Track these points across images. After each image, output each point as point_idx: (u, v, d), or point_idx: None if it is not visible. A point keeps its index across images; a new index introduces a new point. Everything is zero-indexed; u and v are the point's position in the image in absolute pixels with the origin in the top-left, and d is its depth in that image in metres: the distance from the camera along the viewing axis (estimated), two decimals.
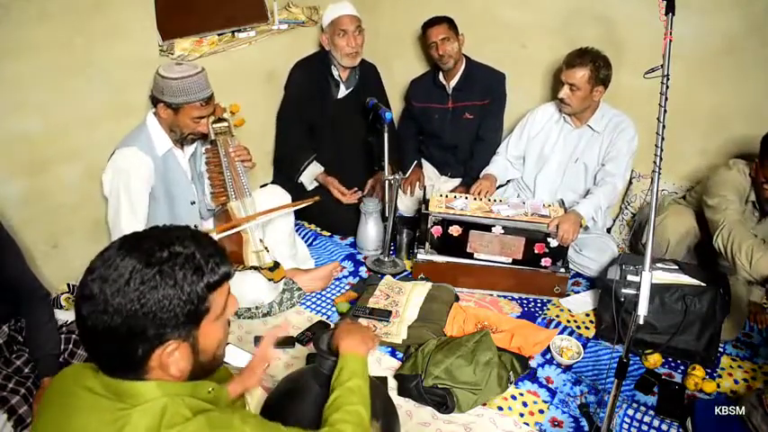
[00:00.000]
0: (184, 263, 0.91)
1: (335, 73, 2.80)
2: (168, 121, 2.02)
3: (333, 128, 2.89)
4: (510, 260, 2.42)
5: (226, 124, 2.12)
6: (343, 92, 2.86)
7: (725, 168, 2.18)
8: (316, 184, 2.89)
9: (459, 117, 2.86)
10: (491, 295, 2.47)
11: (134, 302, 0.86)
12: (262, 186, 2.72)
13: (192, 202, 2.22)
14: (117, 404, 0.90)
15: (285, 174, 2.90)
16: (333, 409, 1.18)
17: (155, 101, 2.01)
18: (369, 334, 1.39)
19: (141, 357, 0.90)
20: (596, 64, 2.31)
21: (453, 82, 2.81)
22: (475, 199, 2.51)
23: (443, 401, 1.85)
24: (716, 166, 2.30)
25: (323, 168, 2.89)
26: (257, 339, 2.15)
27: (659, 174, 1.43)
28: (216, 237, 2.19)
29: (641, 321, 1.39)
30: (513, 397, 1.94)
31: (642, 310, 1.38)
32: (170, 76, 1.93)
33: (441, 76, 2.84)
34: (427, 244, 2.45)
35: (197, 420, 0.89)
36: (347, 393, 1.21)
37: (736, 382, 2.03)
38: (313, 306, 2.40)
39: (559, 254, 2.38)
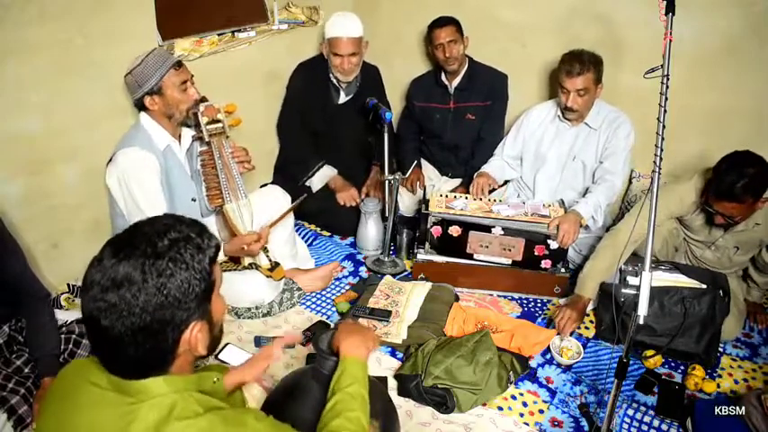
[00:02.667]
0: (186, 245, 0.94)
1: (335, 79, 2.79)
2: (162, 109, 2.00)
3: (333, 133, 2.88)
4: (510, 261, 2.42)
5: (220, 125, 2.10)
6: (343, 98, 2.85)
7: (685, 180, 2.20)
8: (322, 185, 2.89)
9: (462, 117, 2.85)
10: (491, 295, 2.47)
11: (158, 295, 0.89)
12: (261, 186, 2.72)
13: (193, 199, 2.21)
14: (125, 398, 0.92)
15: (291, 176, 2.89)
16: (333, 415, 1.18)
17: (139, 102, 1.99)
18: (370, 335, 1.39)
19: (171, 347, 0.93)
20: (595, 64, 2.32)
21: (456, 82, 2.81)
22: (475, 199, 2.51)
23: (443, 401, 1.85)
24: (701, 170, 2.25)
25: (337, 171, 2.89)
26: (257, 339, 2.15)
27: (659, 174, 1.42)
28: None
29: (641, 321, 1.39)
30: (513, 397, 1.94)
31: (642, 310, 1.38)
32: (135, 65, 1.95)
33: (443, 76, 2.83)
34: (427, 244, 2.45)
35: (209, 417, 0.91)
36: (347, 399, 1.21)
37: (736, 382, 2.03)
38: (313, 306, 2.40)
39: (559, 256, 2.37)
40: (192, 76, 2.06)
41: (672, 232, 2.28)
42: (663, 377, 2.02)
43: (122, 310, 0.88)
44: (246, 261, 2.24)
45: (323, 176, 2.89)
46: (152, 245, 0.91)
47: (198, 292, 0.93)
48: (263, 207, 2.32)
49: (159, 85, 1.95)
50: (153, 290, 0.89)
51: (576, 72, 2.31)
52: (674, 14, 1.44)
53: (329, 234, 2.93)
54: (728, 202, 1.94)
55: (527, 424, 1.85)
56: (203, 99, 2.09)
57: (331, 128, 2.87)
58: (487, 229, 2.36)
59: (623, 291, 2.04)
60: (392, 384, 1.96)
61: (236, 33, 2.79)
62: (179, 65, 2.00)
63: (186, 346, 0.95)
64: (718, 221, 2.04)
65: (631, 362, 1.96)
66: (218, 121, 2.10)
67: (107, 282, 0.88)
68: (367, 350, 1.34)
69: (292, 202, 2.51)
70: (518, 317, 2.32)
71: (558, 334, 2.17)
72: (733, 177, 1.90)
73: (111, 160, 2.01)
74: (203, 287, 0.94)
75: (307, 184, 2.90)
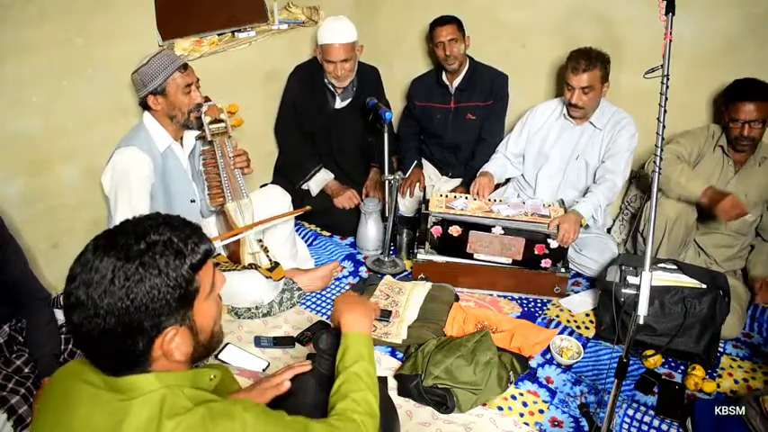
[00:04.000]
0: (164, 250, 0.90)
1: (331, 85, 2.77)
2: (165, 110, 2.02)
3: (331, 136, 2.88)
4: (510, 261, 2.42)
5: (223, 125, 2.11)
6: (339, 103, 2.83)
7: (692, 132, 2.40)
8: (320, 189, 2.89)
9: (462, 117, 2.85)
10: (491, 295, 2.47)
11: (123, 300, 0.87)
12: (261, 186, 2.72)
13: (192, 200, 2.21)
14: (116, 395, 0.91)
15: (289, 179, 2.90)
16: (339, 397, 1.16)
17: (143, 101, 2.01)
18: (369, 305, 1.38)
19: (143, 351, 0.90)
20: (602, 62, 2.33)
21: (456, 82, 2.81)
22: (475, 199, 2.51)
23: (443, 401, 1.85)
24: None
25: (333, 176, 2.89)
26: (257, 339, 2.15)
27: (659, 174, 1.42)
28: (218, 244, 2.19)
29: (641, 321, 1.38)
30: (513, 397, 1.94)
31: (642, 309, 1.37)
32: (141, 65, 1.97)
33: (444, 76, 2.83)
34: (427, 244, 2.45)
35: (197, 410, 0.90)
36: (354, 378, 1.18)
37: (736, 382, 2.03)
38: (313, 306, 2.40)
39: (559, 255, 2.37)
40: (198, 79, 2.06)
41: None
42: (663, 377, 2.02)
43: (89, 309, 0.87)
44: (246, 261, 2.24)
45: (320, 181, 2.88)
46: (127, 247, 0.89)
47: (169, 299, 0.90)
48: (262, 207, 2.32)
49: (163, 86, 1.97)
50: (119, 294, 0.86)
51: (582, 69, 2.31)
52: (674, 14, 1.44)
53: (329, 234, 2.93)
54: (751, 102, 2.12)
55: (527, 424, 1.85)
56: (206, 99, 2.10)
57: (328, 131, 2.87)
58: (488, 228, 2.36)
59: (623, 290, 2.05)
60: (392, 384, 1.96)
61: (236, 33, 2.79)
62: (185, 67, 2.01)
63: (160, 352, 0.92)
64: (746, 133, 2.16)
65: (631, 362, 1.96)
66: (221, 120, 2.10)
67: (80, 277, 0.88)
68: (369, 322, 1.32)
69: (292, 203, 2.51)
70: (518, 317, 2.32)
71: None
72: (749, 80, 2.18)
73: (109, 159, 2.01)
74: (178, 294, 0.90)
75: (304, 187, 2.89)
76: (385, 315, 2.20)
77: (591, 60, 2.31)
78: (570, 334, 2.24)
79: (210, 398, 0.95)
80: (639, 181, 2.76)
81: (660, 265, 2.13)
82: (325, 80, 2.76)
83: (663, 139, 1.41)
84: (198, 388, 0.96)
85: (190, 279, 0.93)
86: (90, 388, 0.94)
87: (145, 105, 2.03)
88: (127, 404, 0.89)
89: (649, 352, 2.06)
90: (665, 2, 1.45)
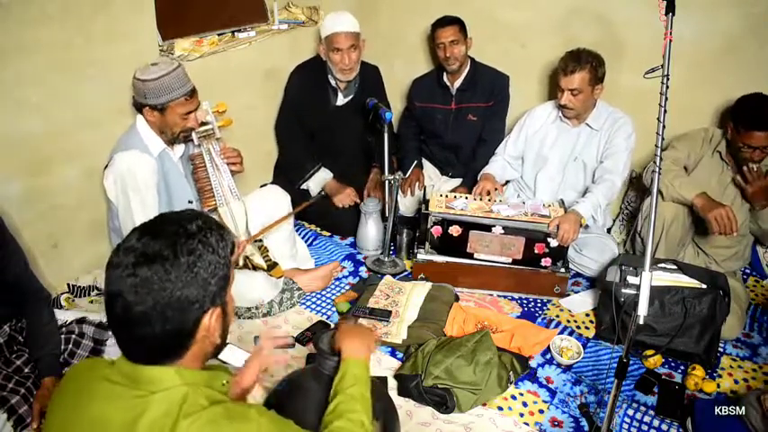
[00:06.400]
0: (213, 232, 0.97)
1: (333, 81, 2.78)
2: (157, 124, 2.00)
3: (332, 135, 2.88)
4: (510, 260, 2.42)
5: (209, 127, 2.08)
6: (341, 100, 2.84)
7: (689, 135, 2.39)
8: (320, 189, 2.89)
9: (463, 118, 2.85)
10: (491, 295, 2.47)
11: (188, 272, 0.91)
12: (261, 186, 2.71)
13: (190, 201, 2.21)
14: (134, 391, 0.91)
15: (289, 179, 2.90)
16: (335, 416, 1.18)
17: (139, 106, 1.97)
18: (370, 336, 1.40)
19: (191, 329, 0.94)
20: (593, 64, 2.32)
21: (458, 83, 2.81)
22: (475, 199, 2.51)
23: (443, 401, 1.85)
24: None
25: (332, 175, 2.89)
26: (257, 339, 2.15)
27: (659, 174, 1.42)
28: None
29: (641, 321, 1.38)
30: (513, 397, 1.95)
31: (642, 309, 1.38)
32: (149, 78, 1.89)
33: (445, 77, 2.83)
34: (427, 244, 2.45)
35: (213, 409, 0.91)
36: (349, 400, 1.21)
37: (736, 382, 2.03)
38: (313, 306, 2.40)
39: (559, 254, 2.37)
40: (199, 104, 2.04)
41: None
42: (663, 377, 2.02)
43: (154, 284, 0.89)
44: (241, 261, 2.23)
45: (320, 180, 2.88)
46: (183, 227, 0.94)
47: (221, 276, 0.96)
48: (262, 206, 2.32)
49: (164, 107, 1.95)
50: (184, 266, 0.91)
51: (570, 70, 2.31)
52: (674, 14, 1.44)
53: (329, 234, 2.93)
54: (760, 132, 2.08)
55: (527, 424, 1.85)
56: None
57: (329, 130, 2.87)
58: (488, 228, 2.36)
59: (623, 290, 2.05)
60: (392, 384, 1.96)
61: (236, 33, 2.79)
62: (191, 95, 1.98)
63: (204, 332, 0.95)
64: (757, 157, 2.15)
65: (631, 362, 1.96)
66: (206, 123, 2.08)
67: (139, 257, 0.90)
68: (368, 351, 1.35)
69: (292, 202, 2.51)
70: (518, 317, 2.32)
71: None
72: (760, 103, 2.11)
73: (108, 164, 2.00)
74: (223, 274, 0.96)
75: (303, 187, 2.89)
76: (385, 315, 2.20)
77: (579, 62, 2.30)
78: (570, 334, 2.24)
79: (226, 399, 0.97)
80: (633, 183, 2.76)
81: (660, 265, 2.13)
82: (329, 76, 2.77)
83: (663, 139, 1.41)
84: (212, 389, 0.97)
85: (229, 263, 0.99)
86: (106, 384, 0.94)
87: (139, 110, 2.01)
88: (146, 400, 0.90)
89: (649, 352, 2.06)
90: (665, 2, 1.45)
